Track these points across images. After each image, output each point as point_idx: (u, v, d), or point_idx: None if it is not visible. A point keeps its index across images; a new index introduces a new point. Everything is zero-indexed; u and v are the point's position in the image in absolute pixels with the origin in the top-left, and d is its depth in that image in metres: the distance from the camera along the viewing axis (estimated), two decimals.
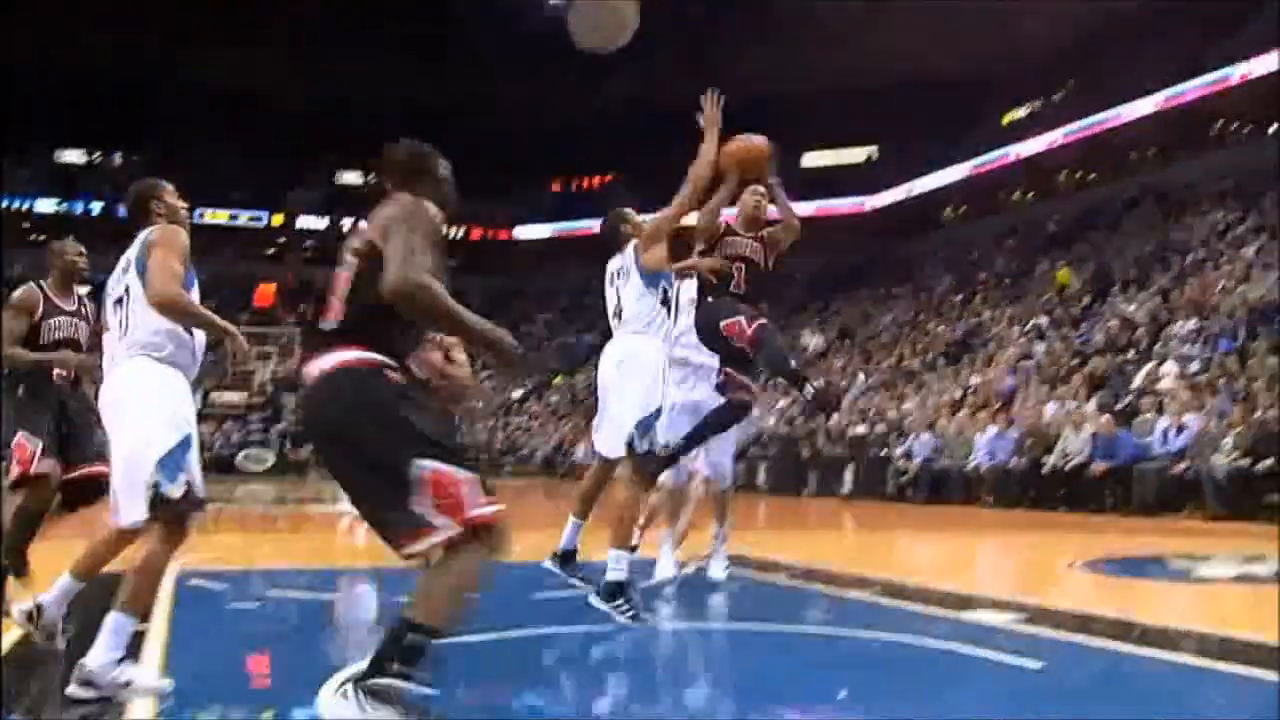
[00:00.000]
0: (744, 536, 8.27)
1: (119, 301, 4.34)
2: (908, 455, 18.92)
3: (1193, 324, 19.03)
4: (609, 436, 5.85)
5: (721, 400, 6.37)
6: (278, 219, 45.20)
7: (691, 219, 6.19)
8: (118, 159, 43.80)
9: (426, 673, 3.03)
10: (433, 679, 3.05)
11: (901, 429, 20.28)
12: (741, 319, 6.03)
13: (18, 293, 5.74)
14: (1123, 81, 31.88)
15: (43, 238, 37.28)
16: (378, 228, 3.30)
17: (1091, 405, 16.76)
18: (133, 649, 4.13)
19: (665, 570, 6.77)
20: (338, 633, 6.02)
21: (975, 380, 22.25)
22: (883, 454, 19.84)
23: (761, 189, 6.40)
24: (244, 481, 23.52)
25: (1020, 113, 37.58)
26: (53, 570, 4.68)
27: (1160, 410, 15.28)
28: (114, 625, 3.99)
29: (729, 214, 6.38)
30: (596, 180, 45.37)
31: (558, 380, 36.33)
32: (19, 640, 4.70)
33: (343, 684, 3.06)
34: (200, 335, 4.40)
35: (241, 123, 37.94)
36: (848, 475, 20.08)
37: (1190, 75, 30.14)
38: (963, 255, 34.87)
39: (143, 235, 4.37)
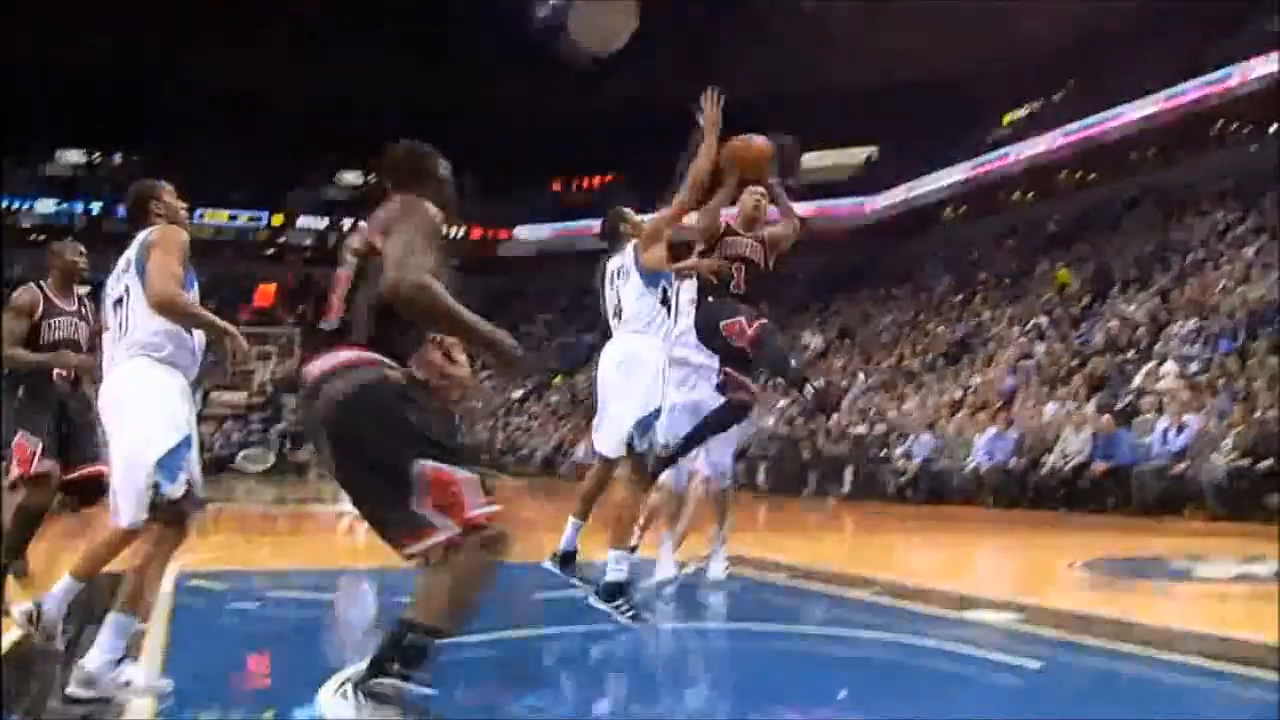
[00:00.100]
0: (743, 537, 8.27)
1: (118, 302, 4.34)
2: (907, 455, 18.91)
3: (1193, 324, 19.02)
4: (608, 436, 5.84)
5: (722, 400, 6.37)
6: (278, 219, 45.20)
7: (690, 219, 6.19)
8: (117, 159, 43.79)
9: (426, 673, 3.02)
10: (432, 680, 3.04)
11: (901, 429, 20.28)
12: (741, 319, 6.03)
13: (18, 293, 5.75)
14: (1123, 82, 31.88)
15: (42, 238, 37.30)
16: (378, 228, 3.30)
17: (1091, 405, 16.75)
18: (132, 649, 4.13)
19: (665, 571, 6.76)
20: (337, 633, 6.02)
21: (975, 380, 22.24)
22: (882, 454, 19.83)
23: (761, 189, 6.40)
24: (244, 481, 23.52)
25: (1020, 113, 37.59)
26: (52, 570, 4.69)
27: (1160, 410, 15.26)
28: (114, 625, 4.00)
29: (729, 214, 6.38)
30: (596, 180, 45.38)
31: (557, 380, 36.34)
32: (18, 640, 4.70)
33: (342, 684, 3.07)
34: (199, 335, 4.40)
35: (241, 123, 37.91)
36: (847, 475, 20.06)
37: (1190, 76, 30.15)
38: (962, 255, 34.85)
39: (142, 236, 4.37)
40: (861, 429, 21.35)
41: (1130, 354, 19.35)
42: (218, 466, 27.38)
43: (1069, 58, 33.46)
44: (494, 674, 4.49)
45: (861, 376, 26.67)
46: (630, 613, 5.40)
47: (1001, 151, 36.34)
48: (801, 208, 6.69)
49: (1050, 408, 17.58)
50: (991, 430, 17.38)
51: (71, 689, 3.91)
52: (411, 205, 3.34)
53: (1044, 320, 24.56)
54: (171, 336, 4.27)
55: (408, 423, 3.14)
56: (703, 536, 7.22)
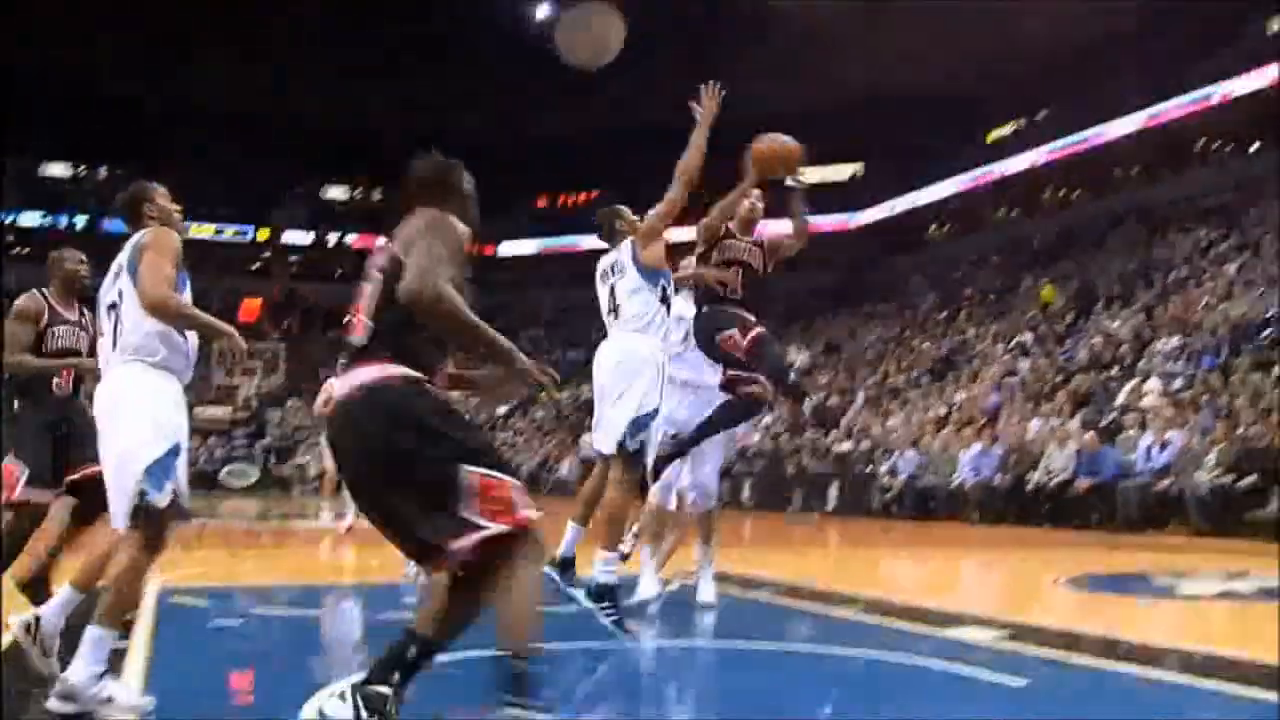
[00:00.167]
0: (728, 553, 8.25)
1: (112, 307, 4.32)
2: (892, 472, 18.94)
3: (1176, 341, 19.12)
4: (606, 436, 5.80)
5: (720, 402, 6.36)
6: (263, 234, 45.11)
7: (685, 230, 6.17)
8: (103, 173, 43.67)
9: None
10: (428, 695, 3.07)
11: (887, 445, 20.31)
12: (735, 332, 6.01)
13: (22, 300, 5.70)
14: (1106, 100, 32.08)
15: (26, 251, 37.15)
16: (402, 242, 3.31)
17: (1075, 422, 16.81)
18: (114, 664, 4.10)
19: (648, 589, 6.69)
20: (321, 650, 5.99)
21: (960, 397, 22.30)
22: (868, 471, 19.86)
23: (758, 191, 6.39)
24: (227, 497, 23.43)
25: (1004, 130, 37.77)
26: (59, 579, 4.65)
27: (1144, 427, 15.33)
28: (94, 639, 3.96)
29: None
30: (582, 197, 45.41)
31: (542, 396, 36.29)
32: (7, 648, 4.64)
33: (342, 690, 3.09)
34: (193, 338, 4.37)
35: (227, 138, 37.86)
36: (833, 492, 20.08)
37: (1172, 94, 30.36)
38: (947, 272, 34.97)
39: (134, 239, 4.35)
40: (847, 445, 21.38)
41: (1114, 371, 19.44)
42: (202, 482, 27.26)
43: (1053, 76, 33.64)
44: (478, 691, 4.46)
45: (848, 393, 26.70)
46: (615, 617, 5.38)
47: (986, 169, 36.52)
48: (787, 223, 6.65)
49: (1035, 424, 17.63)
50: (976, 446, 17.42)
51: (52, 703, 3.88)
52: (436, 219, 3.35)
53: (1029, 337, 24.65)
54: (165, 340, 4.24)
55: (448, 432, 3.16)
56: (685, 553, 7.19)
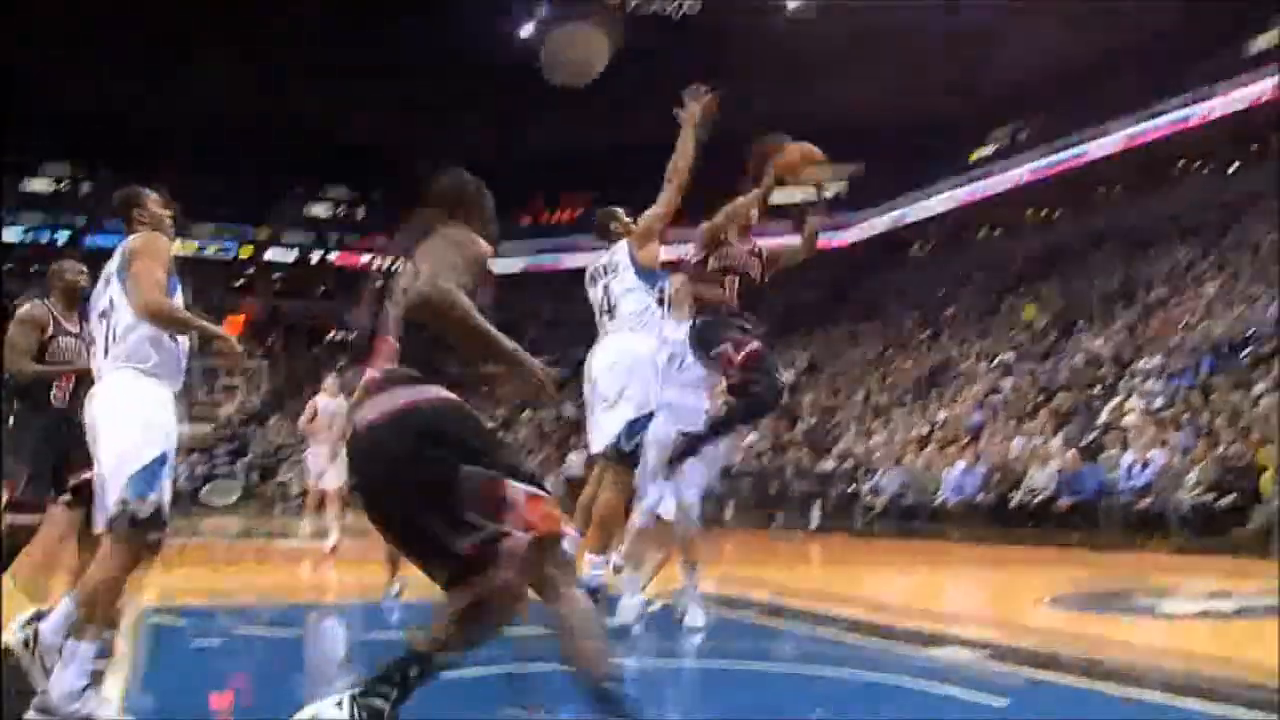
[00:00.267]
0: (711, 572, 8.24)
1: (103, 314, 4.30)
2: (875, 490, 18.96)
3: (1157, 359, 19.22)
4: (601, 437, 5.77)
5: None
6: (247, 250, 44.96)
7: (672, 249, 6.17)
8: (86, 188, 43.49)
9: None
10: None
11: (870, 464, 20.33)
12: (729, 347, 5.98)
13: (27, 307, 5.67)
14: (1087, 120, 32.28)
15: (9, 266, 36.94)
16: (420, 258, 3.31)
17: (1058, 440, 16.87)
18: (96, 679, 4.07)
19: (629, 612, 6.58)
20: (303, 670, 5.96)
21: (943, 415, 22.35)
22: (851, 489, 19.87)
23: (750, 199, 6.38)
24: (209, 515, 23.26)
25: (986, 150, 37.94)
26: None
27: (1125, 445, 15.39)
28: (72, 653, 3.94)
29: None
30: (567, 214, 45.42)
31: (525, 415, 36.24)
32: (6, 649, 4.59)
33: (340, 699, 3.08)
34: (185, 343, 4.35)
35: (210, 155, 37.77)
36: (816, 509, 20.08)
37: (1153, 115, 30.57)
38: (930, 291, 35.07)
39: (123, 244, 4.33)
40: (830, 463, 21.40)
41: (1096, 389, 19.52)
42: (183, 500, 27.02)
43: (1035, 96, 33.85)
44: (467, 710, 4.45)
45: (832, 411, 26.74)
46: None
47: (968, 188, 36.66)
48: (767, 241, 6.66)
49: (1017, 442, 17.68)
50: (960, 465, 17.46)
51: (31, 715, 3.85)
52: (456, 233, 3.36)
53: (1011, 355, 24.75)
54: (157, 345, 4.22)
55: (488, 450, 3.19)
56: (668, 571, 7.16)
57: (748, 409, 6.45)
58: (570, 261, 36.61)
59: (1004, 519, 15.96)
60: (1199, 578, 10.34)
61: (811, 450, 22.43)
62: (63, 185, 43.66)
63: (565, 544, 3.20)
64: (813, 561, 15.02)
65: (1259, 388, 15.84)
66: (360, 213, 46.57)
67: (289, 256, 45.16)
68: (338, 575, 10.92)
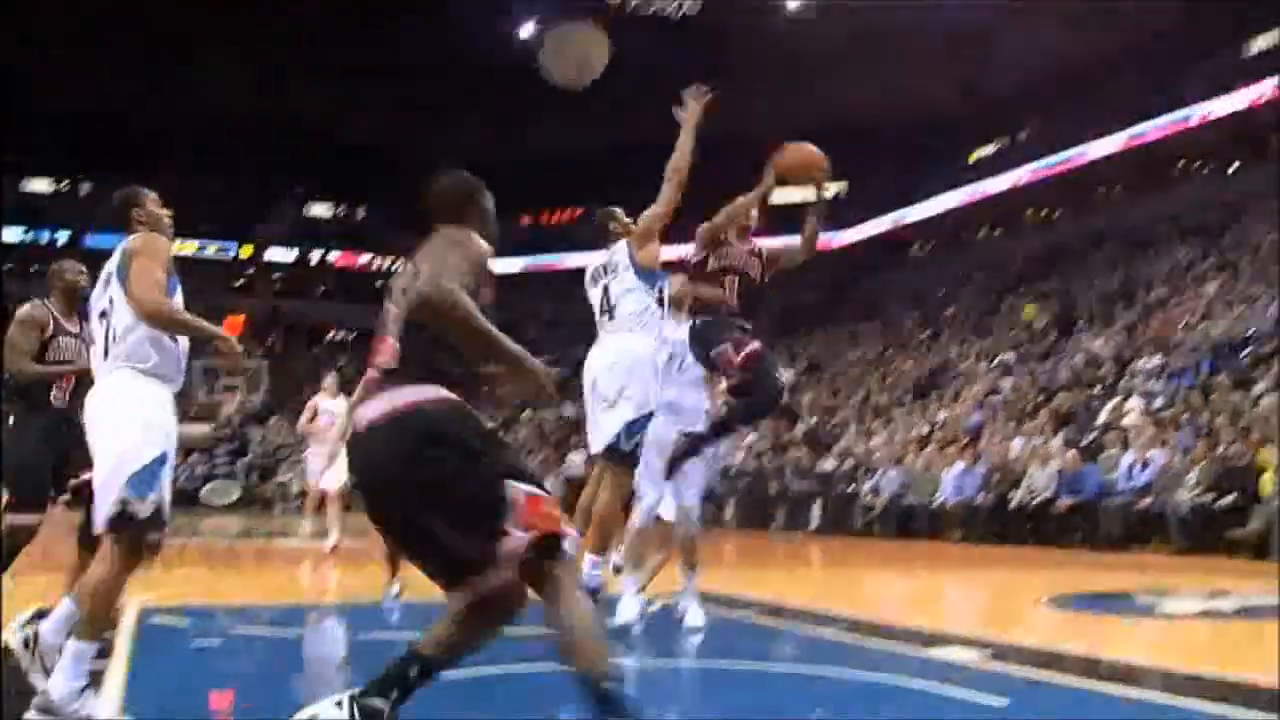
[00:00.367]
0: (711, 573, 8.24)
1: (103, 314, 4.30)
2: (875, 491, 18.96)
3: (1157, 360, 19.21)
4: (600, 437, 5.75)
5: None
6: (246, 250, 44.97)
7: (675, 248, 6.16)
8: (85, 189, 43.49)
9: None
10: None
11: (869, 464, 20.33)
12: (728, 348, 5.97)
13: (28, 308, 5.67)
14: (1087, 120, 32.28)
15: (9, 266, 36.92)
16: (420, 258, 3.31)
17: (1058, 441, 16.86)
18: (95, 679, 4.07)
19: (629, 612, 6.58)
20: (302, 670, 5.95)
21: (942, 416, 22.35)
22: (850, 489, 19.87)
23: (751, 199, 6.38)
24: (209, 515, 23.24)
25: (986, 151, 37.95)
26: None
27: (1125, 446, 15.39)
28: (72, 652, 3.94)
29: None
30: (566, 215, 45.42)
31: (525, 415, 36.24)
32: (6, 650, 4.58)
33: (339, 699, 3.09)
34: (185, 343, 4.35)
35: (210, 154, 37.79)
36: (815, 510, 20.08)
37: (1152, 115, 30.58)
38: (930, 291, 35.09)
39: (122, 244, 4.33)
40: (829, 464, 21.39)
41: (1096, 389, 19.51)
42: (183, 500, 27.02)
43: (1035, 96, 33.87)
44: (467, 710, 4.45)
45: (832, 412, 26.74)
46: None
47: (968, 189, 36.66)
48: (769, 242, 6.66)
49: (1017, 443, 17.67)
50: (959, 465, 17.46)
51: (30, 715, 3.85)
52: (457, 234, 3.36)
53: (1011, 356, 24.74)
54: (156, 346, 4.22)
55: (490, 451, 3.19)
56: (669, 573, 7.16)
57: (748, 409, 6.45)
58: (570, 261, 36.61)
59: (1004, 519, 15.96)
60: (1199, 578, 10.33)
61: (811, 450, 22.43)
62: (62, 185, 43.67)
63: (565, 544, 3.19)
64: (812, 562, 15.02)
65: (1259, 388, 15.85)
66: (360, 213, 46.58)
67: (289, 257, 45.17)
68: (338, 575, 10.92)
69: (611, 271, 5.96)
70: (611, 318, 5.90)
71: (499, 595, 3.14)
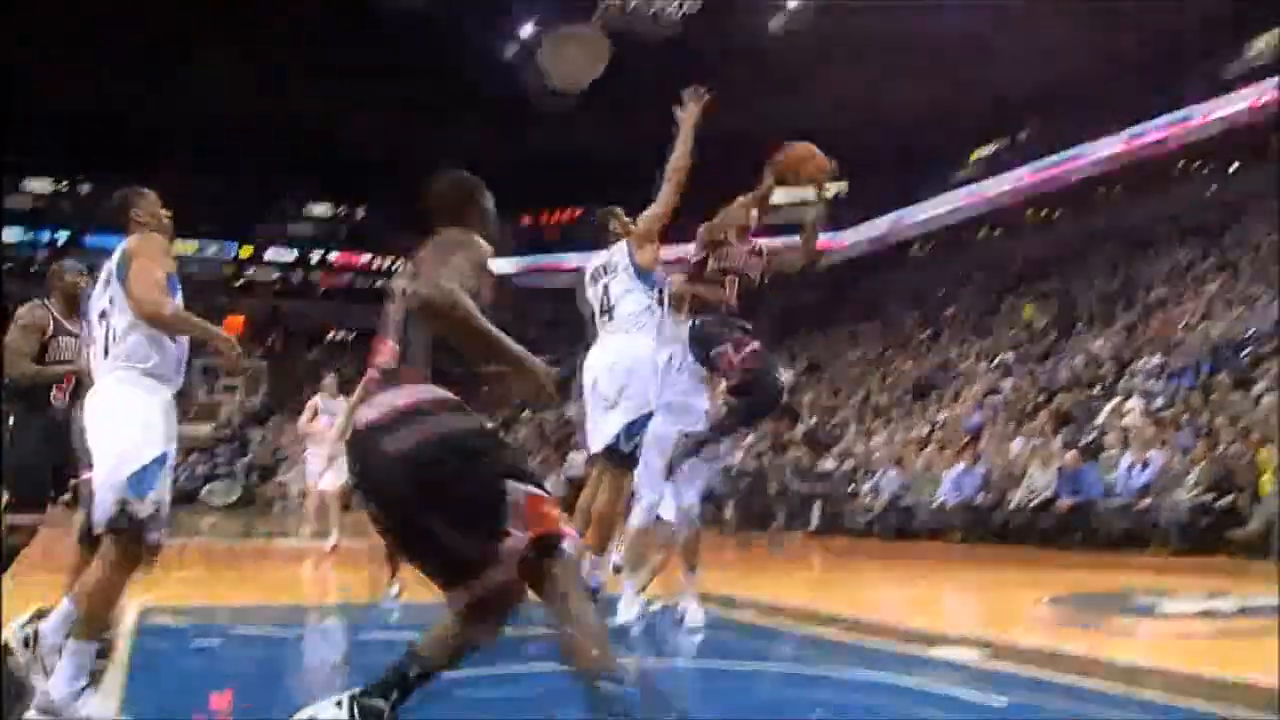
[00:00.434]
0: (710, 574, 8.24)
1: (103, 315, 4.29)
2: (875, 491, 18.95)
3: (1156, 360, 19.21)
4: (600, 437, 5.75)
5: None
6: (246, 251, 44.98)
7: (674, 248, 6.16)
8: (85, 189, 43.49)
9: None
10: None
11: (869, 465, 20.32)
12: (728, 348, 5.98)
13: (27, 309, 5.67)
14: (1086, 122, 32.29)
15: (9, 266, 36.93)
16: (420, 259, 3.31)
17: (1057, 441, 16.84)
18: (95, 679, 4.06)
19: (629, 612, 6.59)
20: (302, 670, 5.95)
21: (942, 416, 22.35)
22: (850, 490, 19.86)
23: (749, 200, 6.39)
24: (209, 515, 23.28)
25: (985, 152, 37.96)
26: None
27: (1125, 446, 15.37)
28: (72, 652, 3.93)
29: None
30: (567, 215, 45.41)
31: (525, 415, 36.25)
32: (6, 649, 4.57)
33: (339, 699, 3.09)
34: (184, 343, 4.34)
35: (209, 154, 37.77)
36: (815, 511, 20.06)
37: (1151, 116, 30.60)
38: (930, 292, 35.09)
39: (122, 245, 4.33)
40: (829, 464, 21.38)
41: (1095, 390, 19.50)
42: (183, 499, 27.04)
43: (1034, 97, 33.86)
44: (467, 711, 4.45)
45: (832, 412, 26.74)
46: None
47: (967, 189, 36.68)
48: (770, 242, 6.67)
49: (1017, 443, 17.65)
50: (959, 466, 17.44)
51: (31, 715, 3.85)
52: (458, 235, 3.36)
53: (1010, 356, 24.74)
54: (156, 346, 4.22)
55: (490, 451, 3.21)
56: (668, 574, 7.16)
57: (748, 410, 6.46)
58: (570, 262, 36.56)
59: (1003, 519, 15.94)
60: (1199, 578, 10.33)
61: (811, 450, 22.43)
62: (62, 186, 43.68)
63: (565, 544, 3.19)
64: (811, 563, 15.02)
65: (1259, 388, 15.83)
66: (361, 213, 46.59)
67: (289, 257, 45.17)
68: (337, 575, 10.93)
69: (611, 271, 5.96)
70: (611, 318, 5.91)
71: (498, 595, 3.14)
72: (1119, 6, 27.74)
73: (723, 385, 6.76)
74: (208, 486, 30.94)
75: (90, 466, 5.00)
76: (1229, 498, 13.11)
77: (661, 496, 6.62)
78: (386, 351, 3.30)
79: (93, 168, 40.60)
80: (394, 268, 44.24)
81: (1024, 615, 8.07)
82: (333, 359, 36.23)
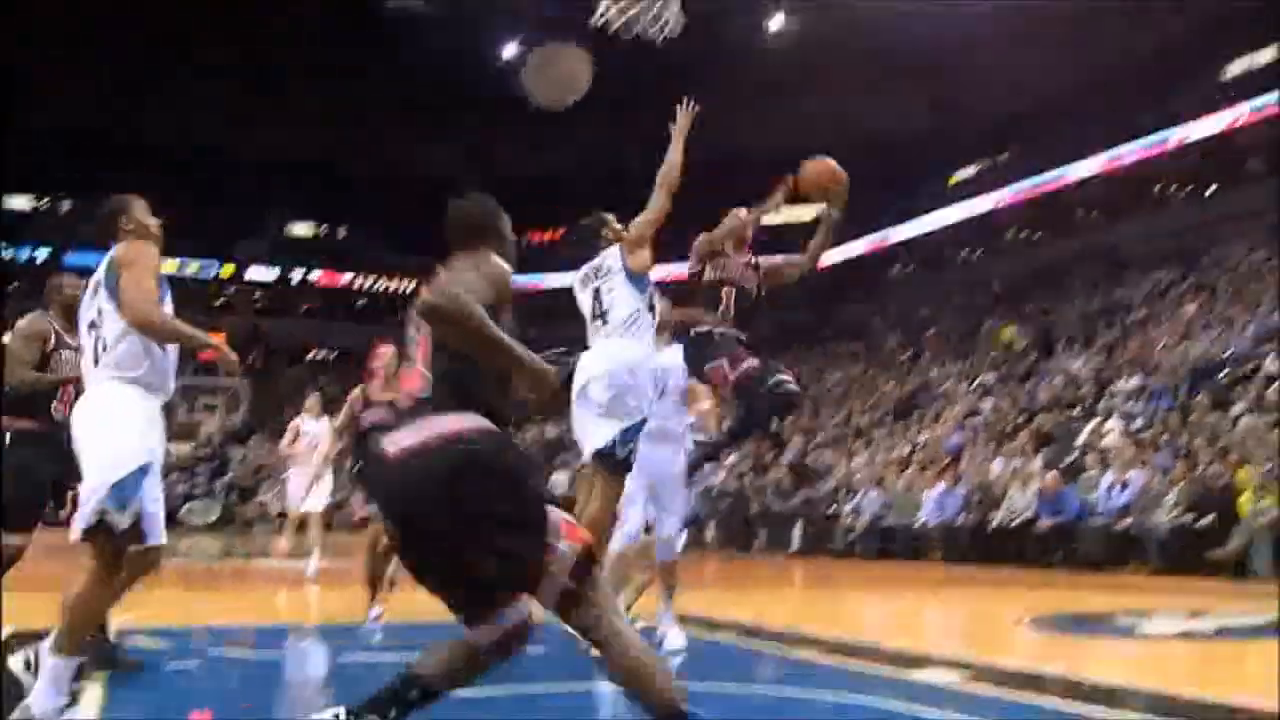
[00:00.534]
0: (691, 595, 8.23)
1: (92, 325, 4.27)
2: (856, 511, 18.97)
3: (1136, 381, 19.31)
4: (591, 444, 5.73)
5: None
6: (227, 269, 44.83)
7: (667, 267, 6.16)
8: (65, 206, 43.31)
9: None
10: None
11: (850, 485, 20.35)
12: (724, 364, 5.97)
13: (29, 319, 5.64)
14: (1066, 143, 32.50)
15: None
16: (437, 276, 3.29)
17: (1038, 462, 16.91)
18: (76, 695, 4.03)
19: None
20: (282, 693, 5.91)
21: (923, 437, 22.40)
22: (831, 510, 19.87)
23: (745, 211, 6.40)
24: (188, 535, 23.12)
25: (966, 173, 38.15)
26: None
27: (1105, 467, 15.44)
28: (52, 669, 3.90)
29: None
30: (545, 236, 45.40)
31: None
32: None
33: (336, 713, 3.08)
34: (173, 354, 4.32)
35: (191, 173, 37.70)
36: (796, 531, 20.06)
37: (1130, 138, 30.82)
38: (911, 312, 35.20)
39: (110, 254, 4.30)
40: (811, 484, 21.39)
41: (1076, 410, 19.59)
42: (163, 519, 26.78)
43: (1015, 119, 34.09)
44: None
45: (813, 433, 26.76)
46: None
47: (948, 210, 36.83)
48: (767, 260, 6.68)
49: (997, 464, 17.72)
50: (940, 486, 17.49)
51: None
52: (473, 258, 3.34)
53: (991, 377, 24.82)
54: (146, 356, 4.19)
55: (534, 480, 3.25)
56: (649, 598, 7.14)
57: (740, 427, 6.46)
58: (550, 282, 36.54)
59: (984, 540, 15.98)
60: (1178, 599, 10.36)
61: (792, 472, 22.44)
62: (42, 203, 43.49)
63: (596, 570, 3.22)
64: (793, 583, 15.01)
65: (1237, 409, 15.93)
66: (342, 232, 46.51)
67: (270, 275, 45.05)
68: (318, 597, 10.86)
69: (602, 275, 5.96)
70: (605, 322, 5.91)
71: (517, 632, 3.14)
72: (1098, 30, 28.00)
73: (707, 403, 6.76)
74: (187, 506, 30.71)
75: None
76: (1208, 518, 13.18)
77: (642, 525, 6.61)
78: (416, 379, 3.25)
79: (73, 185, 40.48)
80: (375, 287, 44.25)
81: (1005, 636, 8.08)
82: (313, 378, 36.13)
